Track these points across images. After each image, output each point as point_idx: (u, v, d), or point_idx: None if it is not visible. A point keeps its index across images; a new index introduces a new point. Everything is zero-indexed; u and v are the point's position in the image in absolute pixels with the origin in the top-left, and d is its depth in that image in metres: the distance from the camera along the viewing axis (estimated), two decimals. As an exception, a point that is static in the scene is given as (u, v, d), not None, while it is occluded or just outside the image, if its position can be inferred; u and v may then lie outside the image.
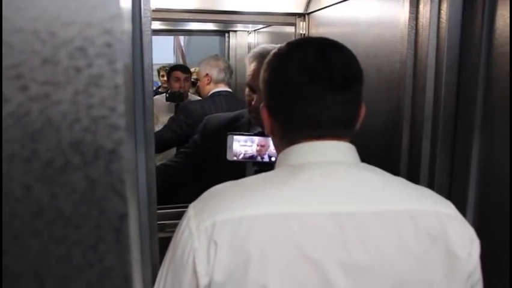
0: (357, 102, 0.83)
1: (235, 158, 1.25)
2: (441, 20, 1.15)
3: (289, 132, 0.83)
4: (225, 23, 2.80)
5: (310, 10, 2.03)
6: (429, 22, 1.16)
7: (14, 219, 0.68)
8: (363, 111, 0.85)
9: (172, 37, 7.38)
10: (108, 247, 0.72)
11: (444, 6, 1.13)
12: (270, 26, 2.83)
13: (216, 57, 3.03)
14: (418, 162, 1.22)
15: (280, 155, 0.85)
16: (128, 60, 0.68)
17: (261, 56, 1.46)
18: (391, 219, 0.75)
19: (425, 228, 0.75)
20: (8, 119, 0.65)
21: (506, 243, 0.99)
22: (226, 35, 3.55)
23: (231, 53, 3.55)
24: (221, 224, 0.72)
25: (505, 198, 1.02)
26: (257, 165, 1.29)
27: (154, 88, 3.85)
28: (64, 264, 0.71)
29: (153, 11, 1.13)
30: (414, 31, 1.22)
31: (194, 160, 1.70)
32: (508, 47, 1.00)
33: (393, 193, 0.79)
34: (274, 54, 0.86)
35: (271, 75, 0.85)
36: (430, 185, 1.19)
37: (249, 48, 3.46)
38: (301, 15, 2.09)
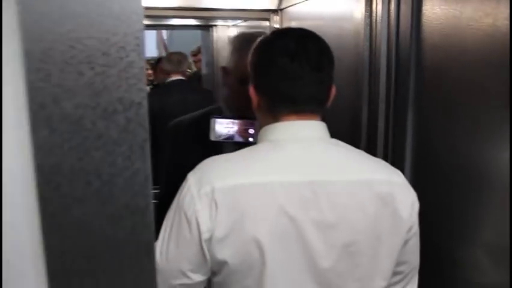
0: (329, 83, 0.91)
1: (216, 139, 1.32)
2: (390, 17, 1.26)
3: (274, 107, 0.89)
4: (205, 19, 2.88)
5: (283, 6, 2.14)
6: (381, 19, 1.28)
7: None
8: (333, 92, 0.92)
9: (155, 31, 7.50)
10: (137, 157, 1.24)
11: (392, 6, 1.25)
12: (247, 21, 2.82)
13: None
14: (375, 138, 1.35)
15: (262, 130, 0.91)
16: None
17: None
18: (354, 187, 0.85)
19: (379, 194, 0.85)
20: (84, 87, 1.19)
21: (434, 204, 1.14)
22: (210, 29, 3.48)
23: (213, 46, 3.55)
24: (219, 190, 0.81)
25: (436, 166, 1.14)
26: (238, 145, 1.35)
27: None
28: (108, 165, 1.25)
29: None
30: (369, 27, 1.34)
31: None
32: (436, 39, 1.10)
33: (356, 165, 0.88)
34: (261, 41, 0.94)
35: (258, 58, 0.92)
36: (385, 157, 1.32)
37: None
38: (274, 11, 2.21)
